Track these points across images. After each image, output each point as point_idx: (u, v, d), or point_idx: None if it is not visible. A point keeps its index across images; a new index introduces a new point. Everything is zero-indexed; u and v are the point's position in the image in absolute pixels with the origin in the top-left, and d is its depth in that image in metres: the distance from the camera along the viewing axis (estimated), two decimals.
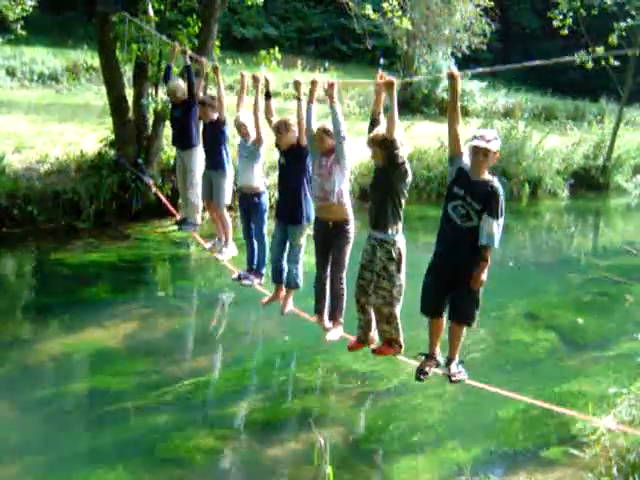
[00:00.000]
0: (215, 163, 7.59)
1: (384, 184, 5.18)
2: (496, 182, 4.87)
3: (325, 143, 5.74)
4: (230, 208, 8.03)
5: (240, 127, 6.96)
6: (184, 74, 8.37)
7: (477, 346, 8.26)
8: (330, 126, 5.68)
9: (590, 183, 19.20)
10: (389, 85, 5.12)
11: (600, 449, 6.26)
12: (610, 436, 6.27)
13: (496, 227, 4.81)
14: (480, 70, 5.42)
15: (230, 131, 7.85)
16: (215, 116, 7.48)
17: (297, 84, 6.06)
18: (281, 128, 6.17)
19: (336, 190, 5.73)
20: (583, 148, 19.50)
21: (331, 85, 5.62)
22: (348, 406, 7.36)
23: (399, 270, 5.24)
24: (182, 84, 8.15)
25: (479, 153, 4.80)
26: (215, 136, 7.52)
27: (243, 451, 6.60)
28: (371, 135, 5.20)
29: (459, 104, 4.95)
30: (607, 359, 8.55)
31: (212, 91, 8.57)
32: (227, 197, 7.76)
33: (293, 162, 6.18)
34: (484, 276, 4.90)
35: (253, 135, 6.92)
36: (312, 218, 6.20)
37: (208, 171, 7.74)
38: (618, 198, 19.49)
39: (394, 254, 5.20)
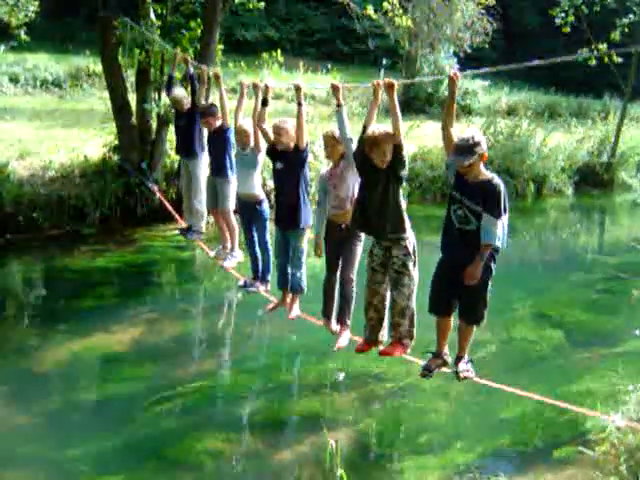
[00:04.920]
0: (220, 169, 7.52)
1: (390, 188, 5.07)
2: (496, 179, 4.74)
3: (336, 149, 5.66)
4: (235, 212, 7.99)
5: (242, 134, 6.83)
6: (187, 81, 8.35)
7: (485, 345, 8.23)
8: (337, 132, 5.61)
9: (595, 180, 19.16)
10: (389, 87, 5.06)
11: (609, 447, 6.23)
12: (619, 434, 6.23)
13: (499, 225, 4.66)
14: (482, 71, 5.36)
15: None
16: (218, 123, 7.40)
17: (298, 89, 6.01)
18: (281, 130, 6.07)
19: (350, 195, 5.67)
20: (587, 145, 19.45)
21: (336, 88, 5.59)
22: (357, 407, 7.35)
23: (415, 264, 5.25)
24: (185, 94, 8.12)
25: (461, 168, 4.71)
26: (220, 143, 7.44)
27: (253, 454, 6.59)
28: (376, 135, 4.97)
29: (455, 106, 4.88)
30: (615, 356, 8.52)
31: (214, 95, 8.53)
32: (232, 203, 7.71)
33: (290, 166, 6.08)
34: (478, 272, 4.75)
35: (252, 143, 6.79)
36: (311, 222, 6.14)
37: (213, 177, 7.68)
38: (623, 194, 19.45)
39: (410, 249, 5.21)
